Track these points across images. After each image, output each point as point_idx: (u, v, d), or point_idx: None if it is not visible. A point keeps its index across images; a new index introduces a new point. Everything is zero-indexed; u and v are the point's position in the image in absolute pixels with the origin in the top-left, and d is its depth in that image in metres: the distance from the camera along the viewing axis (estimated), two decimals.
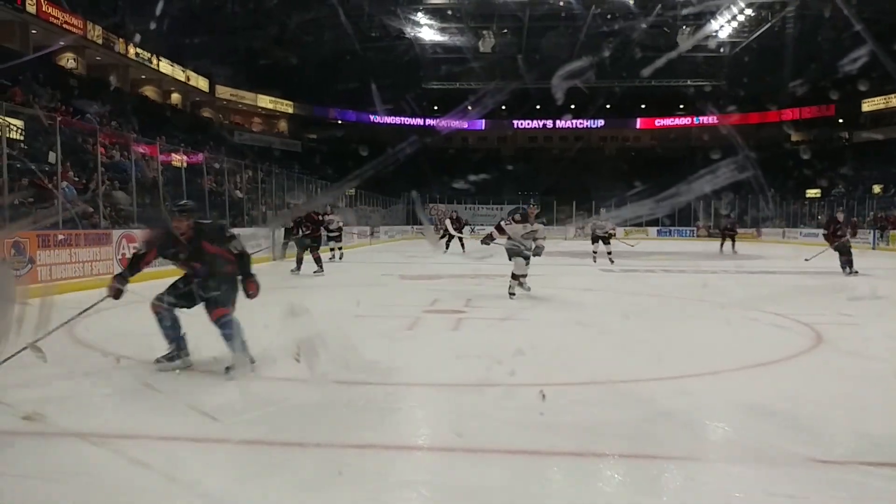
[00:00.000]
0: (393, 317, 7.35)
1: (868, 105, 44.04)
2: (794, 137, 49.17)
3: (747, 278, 13.13)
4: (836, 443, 3.24)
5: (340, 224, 15.99)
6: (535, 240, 8.39)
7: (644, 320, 7.09)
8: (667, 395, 4.06)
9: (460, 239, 19.55)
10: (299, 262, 12.15)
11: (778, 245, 27.52)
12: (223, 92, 43.59)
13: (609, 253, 15.16)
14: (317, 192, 23.48)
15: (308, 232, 12.08)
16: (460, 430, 3.34)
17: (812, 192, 40.17)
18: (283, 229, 14.16)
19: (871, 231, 27.25)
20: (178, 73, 38.23)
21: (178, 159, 17.60)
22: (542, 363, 4.88)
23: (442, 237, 20.20)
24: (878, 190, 36.03)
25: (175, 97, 39.44)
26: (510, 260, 8.41)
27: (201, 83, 40.94)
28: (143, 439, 3.19)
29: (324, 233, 13.83)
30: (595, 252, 15.53)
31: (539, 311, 7.79)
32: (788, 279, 13.05)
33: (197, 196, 15.61)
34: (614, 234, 15.96)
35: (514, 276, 8.41)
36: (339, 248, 16.38)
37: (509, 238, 8.38)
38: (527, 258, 8.34)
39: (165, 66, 36.82)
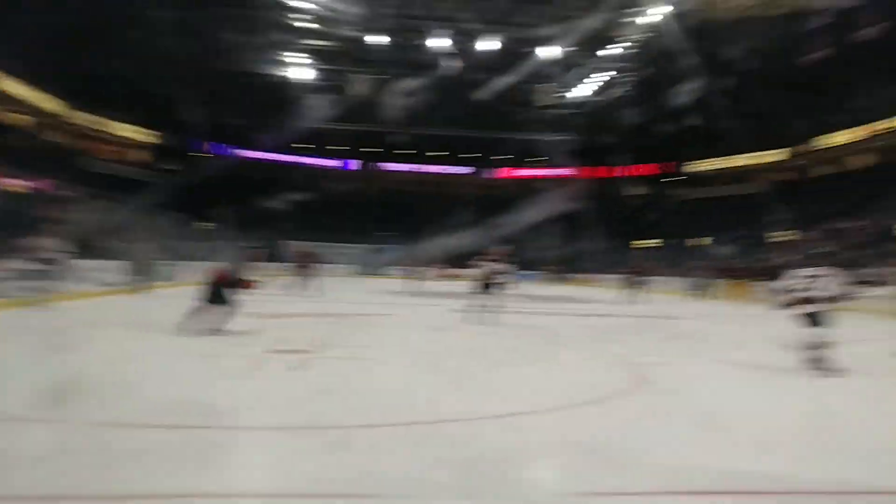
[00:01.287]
0: (234, 356, 7.06)
1: (690, 167, 49.81)
2: (631, 192, 54.13)
3: (584, 320, 14.16)
4: (647, 475, 3.58)
5: (54, 253, 10.21)
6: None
7: (482, 359, 7.43)
8: (494, 431, 4.33)
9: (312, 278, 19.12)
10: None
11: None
12: (79, 117, 41.10)
13: (496, 306, 11.44)
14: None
15: None
16: (278, 475, 3.48)
17: (641, 243, 44.05)
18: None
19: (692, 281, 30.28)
20: (27, 93, 35.74)
21: (19, 185, 16.86)
22: (378, 404, 5.11)
23: (300, 275, 19.48)
24: (709, 242, 40.09)
25: (22, 119, 36.72)
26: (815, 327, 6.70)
27: (54, 106, 38.37)
28: None
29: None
30: (484, 307, 11.37)
31: (381, 352, 8.08)
32: (615, 321, 14.05)
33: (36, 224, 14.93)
34: (515, 284, 11.95)
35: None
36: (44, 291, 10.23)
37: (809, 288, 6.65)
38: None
39: (12, 86, 34.37)
